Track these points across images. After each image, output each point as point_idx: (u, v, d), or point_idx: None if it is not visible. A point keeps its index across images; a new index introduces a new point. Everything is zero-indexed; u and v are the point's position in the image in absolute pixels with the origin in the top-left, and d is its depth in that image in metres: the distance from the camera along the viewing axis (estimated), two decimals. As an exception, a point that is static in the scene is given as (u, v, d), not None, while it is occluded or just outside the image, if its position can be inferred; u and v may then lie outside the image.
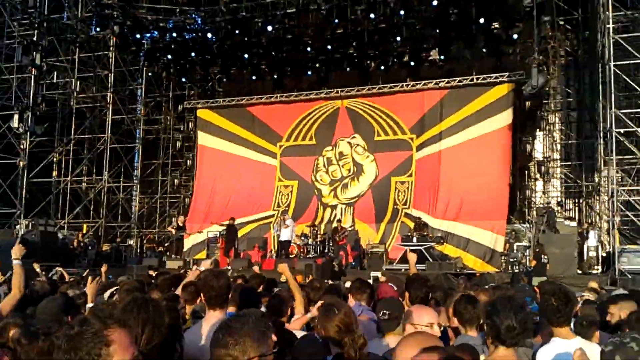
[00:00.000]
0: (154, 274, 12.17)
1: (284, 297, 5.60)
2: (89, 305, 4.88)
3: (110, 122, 25.53)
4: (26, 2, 23.24)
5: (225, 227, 20.52)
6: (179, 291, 5.86)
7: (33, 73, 23.29)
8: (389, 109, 23.65)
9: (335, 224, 21.09)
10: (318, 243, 20.70)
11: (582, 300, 7.06)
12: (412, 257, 7.06)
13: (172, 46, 24.99)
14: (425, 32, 22.90)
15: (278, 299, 5.48)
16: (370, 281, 12.65)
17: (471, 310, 4.16)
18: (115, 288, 6.81)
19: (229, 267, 18.82)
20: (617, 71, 16.31)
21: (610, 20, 16.65)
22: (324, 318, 3.40)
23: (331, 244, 20.90)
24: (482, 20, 21.20)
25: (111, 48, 25.98)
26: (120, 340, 1.99)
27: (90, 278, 4.93)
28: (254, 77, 26.17)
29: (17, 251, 5.13)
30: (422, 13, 21.73)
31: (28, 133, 23.00)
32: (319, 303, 4.62)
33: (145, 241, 25.10)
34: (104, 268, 12.59)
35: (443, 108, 22.61)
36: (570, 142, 22.93)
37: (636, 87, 16.82)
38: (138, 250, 24.71)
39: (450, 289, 8.49)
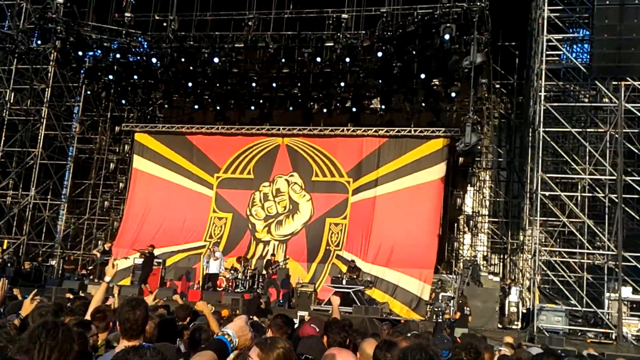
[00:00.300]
0: (70, 297, 11.80)
1: (206, 330, 5.50)
2: None
3: (42, 137, 24.77)
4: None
5: (143, 255, 20.24)
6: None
7: (-35, 80, 22.54)
8: (329, 151, 24.08)
9: (269, 257, 21.12)
10: (247, 278, 20.63)
11: (499, 354, 7.32)
12: (335, 300, 6.98)
13: (115, 67, 24.60)
14: (368, 81, 23.54)
15: (199, 333, 5.37)
16: (297, 320, 12.72)
17: (390, 358, 4.08)
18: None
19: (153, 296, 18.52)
20: (546, 137, 17.23)
21: (543, 89, 17.62)
22: (266, 349, 3.29)
23: (261, 280, 20.88)
24: (423, 76, 22.04)
25: (51, 62, 25.37)
26: None
27: None
28: (196, 107, 26.05)
29: None
30: (366, 63, 22.37)
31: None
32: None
33: (67, 262, 24.15)
34: (1, 282, 12.08)
35: (381, 155, 23.21)
36: (498, 199, 23.93)
37: (563, 154, 17.83)
38: (59, 272, 23.77)
39: (375, 334, 8.59)
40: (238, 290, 20.00)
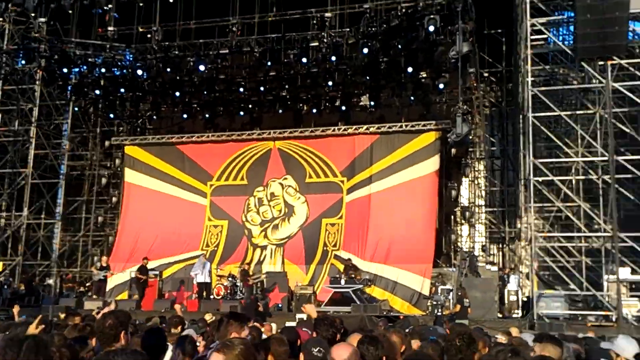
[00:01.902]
0: (62, 316, 11.70)
1: (192, 338, 5.57)
2: None
3: (32, 156, 24.71)
4: (-52, 32, 22.55)
5: (138, 268, 20.21)
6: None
7: (-48, 104, 22.47)
8: (321, 151, 23.93)
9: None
10: (257, 284, 20.57)
11: (494, 342, 7.18)
12: (310, 309, 7.32)
13: (101, 81, 24.57)
14: (356, 78, 23.47)
15: (189, 340, 5.46)
16: (295, 323, 12.56)
17: (373, 351, 4.14)
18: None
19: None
20: (536, 122, 17.08)
21: (529, 74, 17.48)
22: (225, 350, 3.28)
23: (258, 285, 20.74)
24: (410, 70, 21.89)
25: (37, 81, 25.34)
26: None
27: None
28: (185, 116, 25.94)
29: None
30: (353, 60, 22.23)
31: (-57, 165, 21.96)
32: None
33: (64, 280, 24.04)
34: (15, 309, 12.04)
35: (373, 153, 23.05)
36: (494, 189, 23.75)
37: (554, 138, 17.66)
38: (57, 290, 23.65)
39: (362, 329, 8.47)
40: (237, 297, 19.85)
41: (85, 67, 23.81)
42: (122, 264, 22.87)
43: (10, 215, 24.72)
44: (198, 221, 24.23)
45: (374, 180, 22.76)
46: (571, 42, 18.88)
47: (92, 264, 23.25)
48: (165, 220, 24.18)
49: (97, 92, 25.14)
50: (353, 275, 19.33)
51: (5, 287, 21.23)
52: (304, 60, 21.90)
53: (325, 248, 22.50)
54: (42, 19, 22.74)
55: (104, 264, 21.18)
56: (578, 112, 18.46)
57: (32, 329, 5.70)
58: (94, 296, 20.39)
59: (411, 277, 20.22)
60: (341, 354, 3.77)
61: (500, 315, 16.89)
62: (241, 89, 24.29)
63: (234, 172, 24.72)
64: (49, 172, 25.61)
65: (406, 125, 22.74)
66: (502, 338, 8.25)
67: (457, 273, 17.92)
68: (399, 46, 20.96)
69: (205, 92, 24.76)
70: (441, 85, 22.21)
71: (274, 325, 10.12)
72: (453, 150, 21.89)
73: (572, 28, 18.82)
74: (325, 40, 21.39)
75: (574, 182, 18.17)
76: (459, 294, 15.69)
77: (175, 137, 25.46)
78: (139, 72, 23.65)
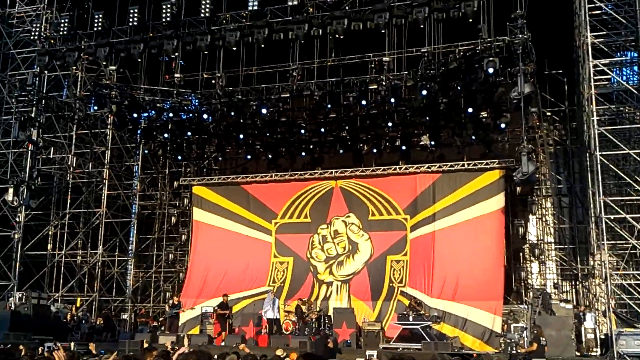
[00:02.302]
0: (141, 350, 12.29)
1: None
2: None
3: (105, 197, 25.81)
4: (25, 79, 23.88)
5: (218, 305, 20.84)
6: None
7: (29, 148, 23.70)
8: (383, 189, 24.38)
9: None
10: (313, 320, 20.85)
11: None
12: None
13: (169, 125, 25.61)
14: (415, 119, 23.75)
15: None
16: (364, 360, 12.78)
17: None
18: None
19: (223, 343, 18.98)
20: (604, 161, 17.21)
21: (594, 114, 17.58)
22: None
23: (326, 321, 21.02)
24: (470, 110, 22.20)
25: (109, 126, 26.57)
26: None
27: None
28: (249, 157, 26.82)
29: None
30: (412, 101, 22.46)
31: (23, 206, 23.10)
32: None
33: (138, 315, 24.84)
34: (92, 346, 12.71)
35: (436, 191, 23.37)
36: (563, 226, 23.69)
37: (623, 176, 17.76)
38: (132, 325, 24.44)
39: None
40: (306, 332, 20.20)
41: (153, 112, 24.83)
42: (192, 299, 23.58)
43: (86, 253, 25.82)
44: (264, 258, 24.84)
45: (437, 217, 23.05)
46: (635, 81, 19.09)
47: (164, 299, 24.01)
48: (232, 257, 24.88)
49: (166, 135, 26.21)
50: (422, 312, 19.51)
51: (84, 322, 22.08)
52: (363, 102, 22.38)
53: (391, 284, 22.77)
54: (113, 67, 23.90)
55: (176, 302, 22.01)
56: (646, 149, 18.50)
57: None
58: (167, 331, 21.07)
59: (481, 314, 20.30)
60: None
61: (578, 354, 16.79)
62: (302, 131, 24.99)
63: (298, 210, 25.33)
64: (121, 211, 26.76)
65: (468, 164, 23.03)
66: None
67: (530, 310, 17.92)
68: (458, 87, 21.18)
69: (267, 134, 25.54)
70: (503, 125, 22.42)
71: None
72: (518, 189, 22.02)
73: (635, 68, 19.05)
74: (383, 83, 21.78)
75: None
76: (535, 332, 15.65)
77: (240, 177, 26.32)
78: (205, 116, 24.55)
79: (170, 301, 21.99)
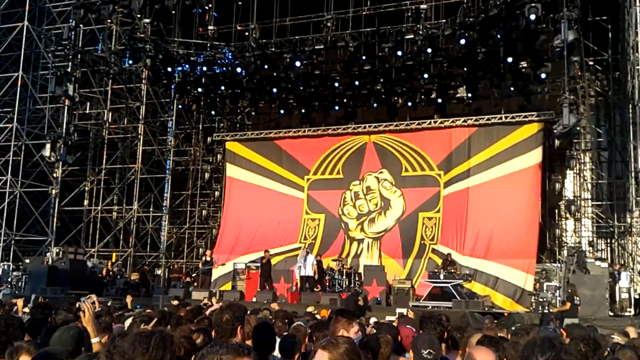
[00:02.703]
0: (175, 304, 12.34)
1: (298, 337, 5.40)
2: (94, 340, 4.68)
3: (141, 152, 26.01)
4: (61, 34, 23.91)
5: (259, 261, 20.81)
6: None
7: (66, 103, 23.83)
8: (417, 145, 23.77)
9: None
10: (344, 277, 20.70)
11: (612, 343, 6.88)
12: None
13: (203, 80, 25.45)
14: (452, 70, 23.10)
15: (292, 340, 5.25)
16: (395, 318, 12.60)
17: (493, 352, 3.88)
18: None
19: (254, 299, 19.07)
20: (648, 112, 16.24)
21: (639, 62, 16.64)
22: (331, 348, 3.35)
23: (357, 278, 20.91)
24: (510, 60, 21.32)
25: (143, 81, 26.59)
26: None
27: (84, 311, 4.60)
28: (282, 111, 26.56)
29: None
30: (449, 51, 21.91)
31: (60, 162, 23.45)
32: None
33: (172, 271, 25.28)
34: (128, 299, 12.81)
35: (471, 145, 22.67)
36: (601, 182, 22.70)
37: (667, 128, 16.71)
38: (165, 281, 24.90)
39: (478, 329, 8.29)
40: (336, 289, 20.12)
41: (187, 66, 24.75)
42: (225, 255, 23.72)
43: (122, 209, 26.28)
44: (296, 214, 24.72)
45: (472, 173, 22.38)
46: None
47: (197, 256, 24.29)
48: (264, 214, 24.83)
49: (199, 89, 26.10)
50: (452, 270, 19.14)
51: (119, 277, 22.55)
52: (399, 53, 21.78)
53: (422, 242, 22.38)
54: (147, 20, 23.64)
55: (208, 258, 22.12)
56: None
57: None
58: (200, 287, 21.30)
59: (514, 273, 19.79)
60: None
61: (611, 314, 16.20)
62: (336, 84, 24.52)
63: (330, 166, 25.00)
64: (156, 167, 26.96)
65: (506, 117, 22.18)
66: (619, 339, 7.92)
67: (563, 269, 17.29)
68: (498, 36, 20.40)
69: (301, 88, 25.14)
70: (543, 75, 21.43)
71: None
72: (557, 142, 21.11)
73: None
74: (420, 32, 21.10)
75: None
76: (569, 291, 15.10)
77: (273, 132, 26.07)
78: (238, 69, 24.25)
79: (203, 258, 22.15)
